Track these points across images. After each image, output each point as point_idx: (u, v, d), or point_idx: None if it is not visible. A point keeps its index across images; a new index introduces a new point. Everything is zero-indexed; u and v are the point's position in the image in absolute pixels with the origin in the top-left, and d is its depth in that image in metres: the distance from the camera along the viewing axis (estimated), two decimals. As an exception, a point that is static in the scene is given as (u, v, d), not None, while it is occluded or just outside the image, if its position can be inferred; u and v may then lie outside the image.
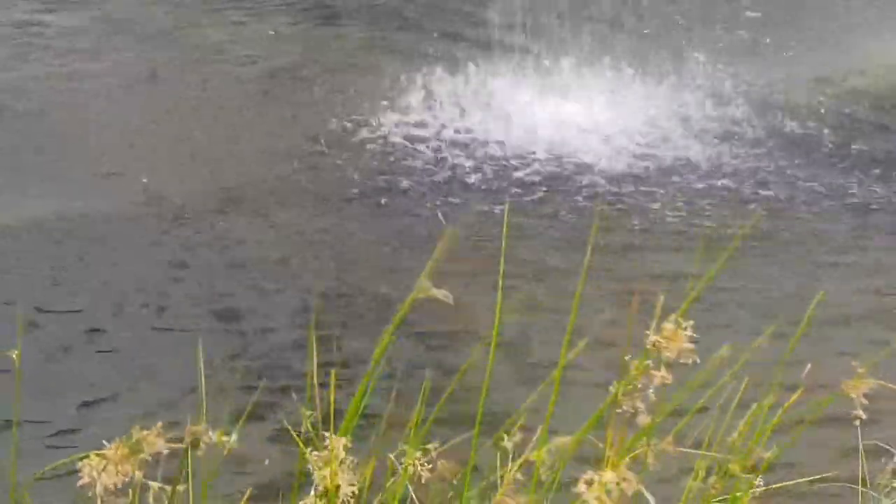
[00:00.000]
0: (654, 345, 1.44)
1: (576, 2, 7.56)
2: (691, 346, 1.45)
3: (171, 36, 7.62)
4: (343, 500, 1.78)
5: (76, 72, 7.00)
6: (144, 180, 5.74)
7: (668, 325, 1.44)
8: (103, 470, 1.64)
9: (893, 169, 6.41)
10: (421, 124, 6.51)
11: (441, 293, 1.61)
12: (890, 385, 1.82)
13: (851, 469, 3.40)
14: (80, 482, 1.65)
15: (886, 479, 3.19)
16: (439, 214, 5.57)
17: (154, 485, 1.61)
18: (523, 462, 1.78)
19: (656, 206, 5.87)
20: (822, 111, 6.97)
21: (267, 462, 3.90)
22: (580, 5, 7.60)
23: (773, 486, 2.75)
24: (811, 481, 3.61)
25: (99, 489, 1.64)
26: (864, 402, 1.78)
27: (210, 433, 1.60)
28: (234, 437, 1.87)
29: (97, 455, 1.61)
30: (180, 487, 1.64)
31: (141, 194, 5.67)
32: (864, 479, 3.25)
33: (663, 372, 1.44)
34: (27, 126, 6.35)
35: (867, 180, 6.27)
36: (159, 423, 1.55)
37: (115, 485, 1.67)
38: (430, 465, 1.90)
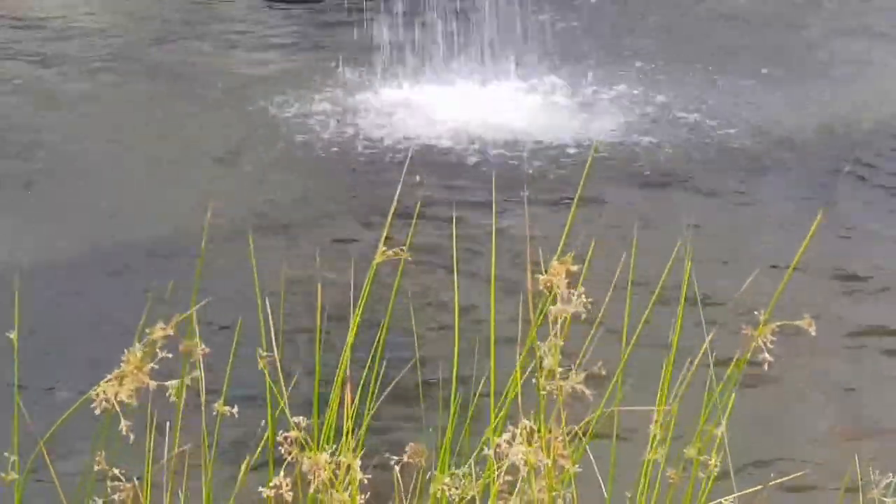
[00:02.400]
0: (545, 284, 1.73)
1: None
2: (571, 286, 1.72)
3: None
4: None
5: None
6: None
7: (555, 263, 1.72)
8: (120, 383, 1.90)
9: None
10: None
11: (395, 251, 1.97)
12: (793, 322, 1.91)
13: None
14: (97, 408, 1.78)
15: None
16: None
17: (172, 383, 1.83)
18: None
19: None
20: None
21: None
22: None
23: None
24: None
25: (116, 405, 1.92)
26: (770, 346, 1.91)
27: (202, 346, 1.91)
28: (235, 408, 2.09)
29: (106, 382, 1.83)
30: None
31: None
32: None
33: (560, 306, 1.72)
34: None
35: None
36: (161, 325, 1.80)
37: (131, 395, 1.92)
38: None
